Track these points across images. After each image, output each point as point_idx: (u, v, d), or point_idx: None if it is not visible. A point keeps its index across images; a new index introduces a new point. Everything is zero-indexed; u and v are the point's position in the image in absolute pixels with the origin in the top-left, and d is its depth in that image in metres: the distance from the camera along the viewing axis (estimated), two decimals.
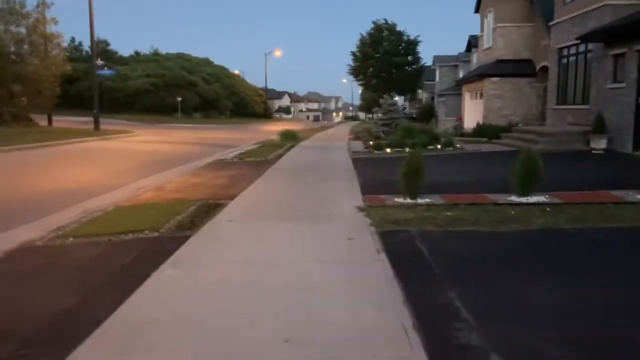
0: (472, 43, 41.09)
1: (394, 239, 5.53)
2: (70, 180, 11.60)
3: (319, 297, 3.88)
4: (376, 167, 12.86)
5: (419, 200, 7.41)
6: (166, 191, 9.40)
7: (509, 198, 7.51)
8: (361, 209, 7.04)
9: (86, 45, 64.06)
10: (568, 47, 18.50)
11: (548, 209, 6.85)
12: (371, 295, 3.90)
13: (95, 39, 60.87)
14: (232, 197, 8.31)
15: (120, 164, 14.78)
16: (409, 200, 7.42)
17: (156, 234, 5.96)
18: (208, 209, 7.32)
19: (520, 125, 20.03)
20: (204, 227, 6.21)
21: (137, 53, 67.62)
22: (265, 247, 5.42)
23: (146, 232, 6.00)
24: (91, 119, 43.80)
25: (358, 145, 19.03)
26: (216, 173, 11.96)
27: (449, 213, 6.49)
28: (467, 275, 4.44)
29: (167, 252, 5.15)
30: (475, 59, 40.65)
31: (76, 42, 62.88)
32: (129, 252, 5.29)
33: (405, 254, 5.00)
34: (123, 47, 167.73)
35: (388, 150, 15.28)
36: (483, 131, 19.50)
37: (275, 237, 5.81)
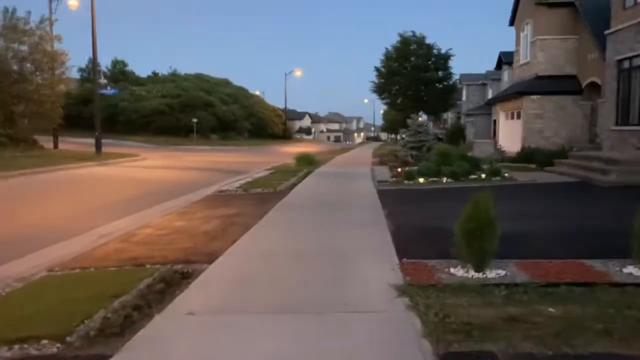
0: (503, 60, 38.50)
1: None
2: (30, 221, 9.36)
3: None
4: (410, 203, 10.28)
5: (489, 274, 4.84)
6: (132, 243, 7.01)
7: (626, 270, 4.90)
8: (400, 291, 4.49)
9: (103, 66, 63.35)
10: (630, 58, 15.81)
11: None
12: None
13: (113, 59, 59.91)
14: (212, 259, 5.86)
15: (103, 197, 12.50)
16: (474, 274, 4.85)
17: (54, 349, 3.51)
18: (168, 284, 4.86)
19: (575, 149, 17.25)
20: (141, 332, 3.73)
21: (154, 74, 66.47)
22: None
23: (43, 341, 3.57)
24: (104, 141, 42.56)
25: (384, 172, 16.49)
26: (209, 212, 9.56)
27: (551, 309, 3.89)
28: None
29: None
30: (507, 77, 38.03)
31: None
32: None
33: None
34: (142, 68, 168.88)
35: (421, 180, 12.73)
36: (529, 156, 16.81)
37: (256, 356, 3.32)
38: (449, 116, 58.58)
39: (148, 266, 5.66)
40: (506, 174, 12.97)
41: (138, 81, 61.80)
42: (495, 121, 37.29)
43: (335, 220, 8.29)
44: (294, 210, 9.53)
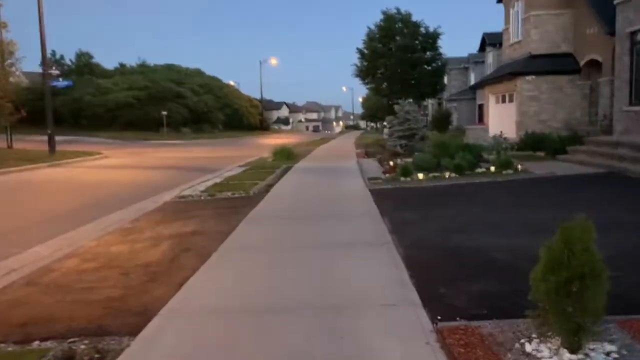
0: (487, 41, 36.77)
1: None
2: None
3: None
4: (415, 208, 8.26)
5: (594, 356, 2.87)
6: (40, 288, 4.93)
7: None
8: None
9: (67, 59, 59.92)
10: None
11: None
12: None
13: (77, 51, 56.72)
14: (141, 323, 3.78)
15: (38, 210, 10.22)
16: (567, 355, 2.87)
17: None
18: None
19: (588, 134, 15.40)
20: None
21: (122, 65, 62.99)
22: None
23: None
24: (65, 137, 39.62)
25: (373, 166, 14.49)
26: (160, 228, 7.45)
27: None
28: None
29: None
30: (491, 59, 36.25)
31: (57, 56, 58.47)
32: None
33: None
34: (109, 61, 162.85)
35: (420, 175, 10.74)
36: (536, 142, 14.96)
37: None
38: (429, 102, 56.81)
39: (36, 344, 3.58)
40: (519, 166, 11.06)
41: (105, 74, 58.45)
42: (480, 106, 35.61)
43: (323, 240, 6.24)
44: (269, 223, 7.45)
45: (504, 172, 10.83)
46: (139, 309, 4.19)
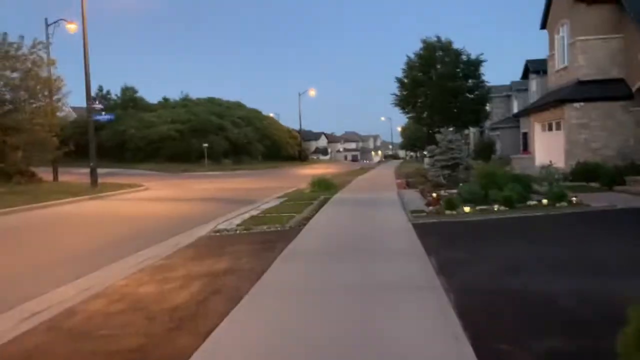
0: (530, 68, 35.88)
1: None
2: None
3: None
4: (464, 246, 7.61)
5: None
6: (59, 334, 4.64)
7: None
8: None
9: (113, 93, 62.11)
10: None
11: None
12: None
13: (122, 86, 58.71)
14: None
15: (75, 243, 10.10)
16: None
17: None
18: None
19: None
20: None
21: (165, 99, 64.89)
22: None
23: None
24: (108, 170, 40.58)
25: (415, 198, 13.89)
26: (192, 266, 7.10)
27: None
28: None
29: None
30: (535, 86, 35.25)
31: (104, 90, 60.80)
32: None
33: None
34: (153, 95, 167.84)
35: (467, 209, 10.10)
36: (589, 172, 14.04)
37: None
38: (471, 131, 55.69)
39: None
40: (573, 199, 10.28)
41: (148, 108, 60.23)
42: (524, 134, 34.49)
43: (363, 282, 5.71)
44: (304, 261, 6.99)
45: (557, 205, 10.06)
46: None
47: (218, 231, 10.14)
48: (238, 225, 10.61)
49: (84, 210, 16.07)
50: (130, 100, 59.23)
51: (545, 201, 10.31)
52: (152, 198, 19.81)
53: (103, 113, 28.33)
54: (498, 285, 5.29)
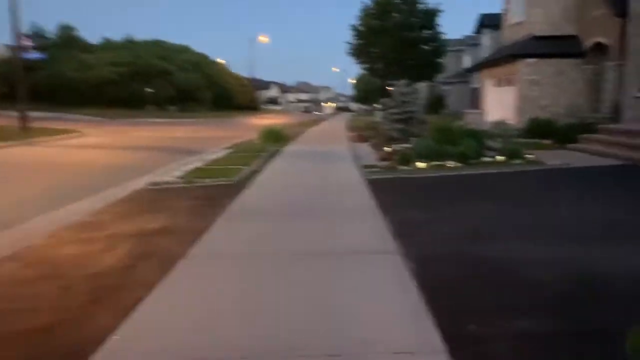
0: (485, 23, 35.59)
1: None
2: None
3: None
4: (422, 205, 7.20)
5: None
6: None
7: None
8: None
9: (50, 32, 57.61)
10: None
11: None
12: None
13: (59, 23, 54.46)
14: None
15: None
16: None
17: None
18: None
19: (593, 120, 14.35)
20: None
21: (107, 40, 60.82)
22: None
23: None
24: (45, 114, 37.92)
25: (368, 152, 13.43)
26: (123, 224, 6.36)
27: None
28: None
29: None
30: (488, 41, 35.07)
31: (37, 28, 56.12)
32: None
33: None
34: (94, 36, 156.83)
35: (421, 165, 9.71)
36: (542, 130, 13.93)
37: None
38: (422, 85, 55.64)
39: None
40: (528, 156, 10.07)
41: (88, 49, 56.33)
42: (474, 90, 34.58)
43: (312, 247, 5.18)
44: (249, 220, 6.37)
45: (512, 162, 9.84)
46: (66, 349, 3.13)
47: (157, 184, 9.33)
48: (179, 177, 9.83)
49: (8, 157, 14.69)
50: (67, 40, 55.13)
51: (500, 158, 10.05)
52: (88, 145, 18.48)
53: (33, 51, 25.93)
54: (459, 251, 4.87)
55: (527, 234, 5.44)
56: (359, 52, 28.67)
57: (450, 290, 3.88)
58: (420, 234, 5.53)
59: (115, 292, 4.03)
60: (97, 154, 15.63)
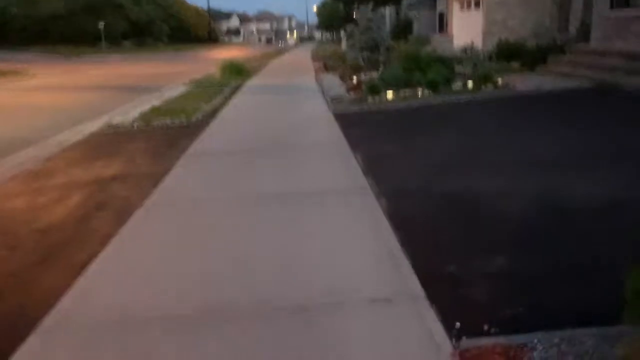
0: None
1: None
2: None
3: None
4: (391, 138, 6.92)
5: None
6: None
7: None
8: None
9: None
10: None
11: None
12: None
13: None
14: (7, 349, 2.45)
15: None
16: None
17: None
18: None
19: (560, 40, 14.02)
20: None
21: None
22: None
23: None
24: None
25: (335, 84, 12.96)
26: (77, 170, 5.95)
27: None
28: None
29: None
30: None
31: None
32: None
33: None
34: None
35: (390, 95, 9.38)
36: (511, 52, 13.61)
37: None
38: (387, 10, 54.06)
39: None
40: (498, 81, 9.82)
41: None
42: (441, 14, 33.75)
43: (279, 188, 4.89)
44: (211, 162, 6.03)
45: (483, 87, 9.58)
46: (10, 318, 2.84)
47: (111, 126, 8.77)
48: (136, 118, 9.26)
49: None
50: None
51: (470, 84, 9.77)
52: (39, 87, 17.36)
53: None
54: (430, 185, 4.68)
55: (495, 166, 5.25)
56: None
57: (425, 229, 3.70)
58: (391, 169, 5.30)
59: (66, 249, 3.70)
60: (48, 96, 14.68)
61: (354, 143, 6.33)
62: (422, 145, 6.34)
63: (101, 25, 41.79)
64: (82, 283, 3.12)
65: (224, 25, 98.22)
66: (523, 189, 4.43)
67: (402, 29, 33.23)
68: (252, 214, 4.19)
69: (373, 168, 5.18)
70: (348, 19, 24.12)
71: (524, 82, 10.12)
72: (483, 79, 9.62)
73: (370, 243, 3.45)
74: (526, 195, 4.27)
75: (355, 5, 25.13)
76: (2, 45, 40.94)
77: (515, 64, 13.07)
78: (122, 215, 4.27)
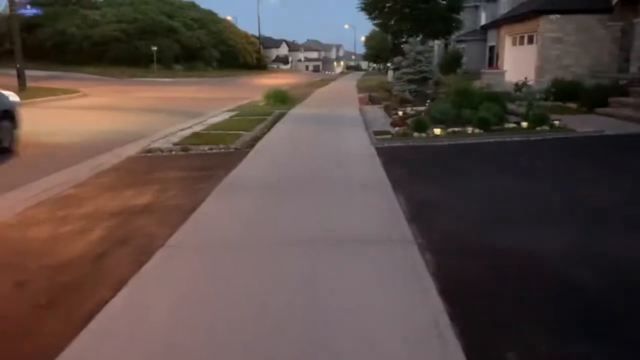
0: None
1: None
2: None
3: None
4: (440, 183, 6.31)
5: None
6: None
7: None
8: None
9: None
10: None
11: None
12: None
13: None
14: None
15: None
16: None
17: None
18: None
19: (617, 80, 13.19)
20: None
21: None
22: None
23: None
24: (47, 73, 37.01)
25: (378, 116, 12.58)
26: (105, 199, 5.71)
27: None
28: None
29: None
30: None
31: None
32: None
33: None
34: None
35: (438, 131, 8.88)
36: (567, 92, 12.89)
37: None
38: (436, 43, 53.74)
39: None
40: (556, 122, 9.18)
41: (92, 5, 54.85)
42: (491, 48, 33.10)
43: (312, 234, 4.45)
44: (245, 196, 5.67)
45: (538, 128, 8.96)
46: None
47: (150, 151, 8.63)
48: (175, 144, 9.10)
49: None
50: None
51: (524, 124, 9.17)
52: (87, 106, 17.75)
53: (28, 7, 24.88)
54: (485, 240, 4.14)
55: (558, 220, 4.67)
56: (371, 6, 27.17)
57: (477, 297, 3.18)
58: (438, 216, 4.79)
59: (76, 294, 3.37)
60: (95, 116, 14.92)
61: (397, 182, 5.86)
62: (474, 189, 5.80)
63: (154, 48, 43.12)
64: (87, 336, 2.77)
65: (274, 53, 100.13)
66: (597, 250, 3.84)
67: (451, 62, 32.74)
68: (279, 262, 3.77)
69: (417, 214, 4.69)
70: (396, 50, 23.85)
71: (582, 124, 9.42)
72: (539, 120, 8.99)
73: (412, 312, 2.96)
74: (603, 257, 3.68)
75: (404, 37, 24.83)
76: (59, 64, 42.81)
77: (572, 105, 12.34)
78: (142, 255, 3.93)
